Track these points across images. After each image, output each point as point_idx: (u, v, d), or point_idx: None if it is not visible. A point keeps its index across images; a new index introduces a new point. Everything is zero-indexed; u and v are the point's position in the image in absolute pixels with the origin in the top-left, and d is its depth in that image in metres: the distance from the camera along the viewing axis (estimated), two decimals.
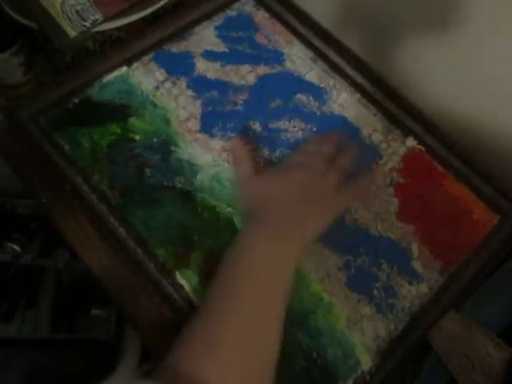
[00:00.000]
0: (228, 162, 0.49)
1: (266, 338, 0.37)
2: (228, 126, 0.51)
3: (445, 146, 0.52)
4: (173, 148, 0.49)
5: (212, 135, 0.50)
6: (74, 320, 0.93)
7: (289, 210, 0.41)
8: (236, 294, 0.37)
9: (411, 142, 0.53)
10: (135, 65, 0.53)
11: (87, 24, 0.49)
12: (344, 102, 0.54)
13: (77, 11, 0.48)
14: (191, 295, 0.43)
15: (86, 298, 0.93)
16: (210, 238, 0.45)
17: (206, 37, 0.56)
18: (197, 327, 0.36)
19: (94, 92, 0.51)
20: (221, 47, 0.56)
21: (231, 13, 0.58)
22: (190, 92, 0.52)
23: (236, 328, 0.35)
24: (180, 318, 0.42)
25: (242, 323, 0.36)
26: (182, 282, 0.43)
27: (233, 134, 0.51)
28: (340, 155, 0.46)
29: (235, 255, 0.39)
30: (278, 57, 0.56)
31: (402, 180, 0.50)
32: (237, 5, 0.59)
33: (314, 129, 0.52)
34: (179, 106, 0.51)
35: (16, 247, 0.93)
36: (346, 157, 0.46)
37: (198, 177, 0.48)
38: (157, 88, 0.52)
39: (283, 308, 0.38)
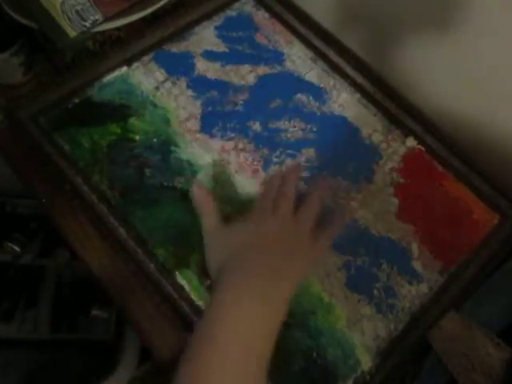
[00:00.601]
0: (228, 162, 0.49)
1: None
2: (228, 125, 0.51)
3: (445, 146, 0.52)
4: (173, 148, 0.49)
5: (212, 135, 0.50)
6: (74, 320, 0.93)
7: (262, 267, 0.37)
8: (210, 355, 0.33)
9: (411, 141, 0.53)
10: (135, 65, 0.53)
11: (87, 24, 0.49)
12: (344, 101, 0.54)
13: (77, 11, 0.48)
14: (191, 295, 0.43)
15: (86, 298, 0.93)
16: None
17: (206, 37, 0.56)
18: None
19: (94, 92, 0.51)
20: (221, 47, 0.56)
21: (231, 13, 0.58)
22: (189, 92, 0.52)
23: None
24: (180, 317, 0.42)
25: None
26: (182, 282, 0.43)
27: (233, 134, 0.51)
28: (308, 196, 0.43)
29: (209, 315, 0.36)
30: (278, 57, 0.56)
31: (402, 180, 0.50)
32: (237, 5, 0.59)
33: (314, 129, 0.52)
34: (179, 106, 0.51)
35: (16, 247, 0.93)
36: (314, 199, 0.43)
37: (198, 177, 0.48)
38: (157, 88, 0.52)
39: (262, 376, 0.34)
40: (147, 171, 0.47)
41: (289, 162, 0.50)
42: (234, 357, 0.33)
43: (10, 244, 0.92)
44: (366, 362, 0.42)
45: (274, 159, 0.50)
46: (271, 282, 0.37)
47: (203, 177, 0.48)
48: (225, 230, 0.42)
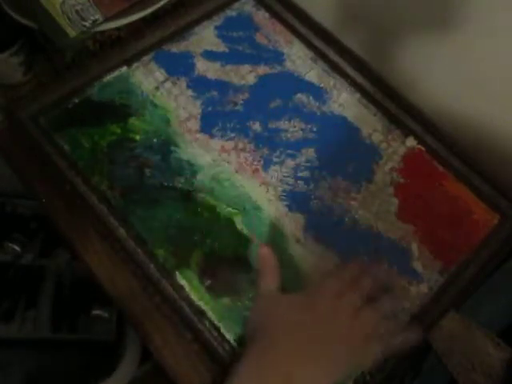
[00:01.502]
0: (228, 162, 0.49)
1: None
2: (228, 125, 0.51)
3: (445, 146, 0.52)
4: (173, 148, 0.49)
5: (212, 135, 0.50)
6: (75, 320, 0.93)
7: (297, 350, 0.35)
8: None
9: (411, 141, 0.53)
10: (135, 65, 0.53)
11: (87, 24, 0.49)
12: (344, 101, 0.54)
13: (77, 11, 0.48)
14: (191, 295, 0.43)
15: (87, 298, 0.93)
16: (209, 238, 0.45)
17: (206, 37, 0.56)
18: None
19: (94, 92, 0.51)
20: (221, 47, 0.56)
21: (231, 13, 0.58)
22: (190, 92, 0.52)
23: None
24: (180, 318, 0.42)
25: None
26: (182, 282, 0.43)
27: (233, 134, 0.51)
28: (382, 295, 0.40)
29: (232, 379, 0.35)
30: (277, 57, 0.56)
31: (402, 180, 0.50)
32: (237, 5, 0.59)
33: (314, 129, 0.52)
34: (179, 106, 0.51)
35: (16, 247, 0.93)
36: (389, 300, 0.40)
37: (198, 177, 0.48)
38: (157, 88, 0.52)
39: None
40: (147, 171, 0.47)
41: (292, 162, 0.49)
42: None
43: (10, 244, 0.92)
44: None
45: (274, 159, 0.50)
46: (291, 368, 0.35)
47: (203, 177, 0.48)
48: (279, 297, 0.40)
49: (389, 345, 0.38)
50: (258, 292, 0.41)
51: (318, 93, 0.54)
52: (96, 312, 0.92)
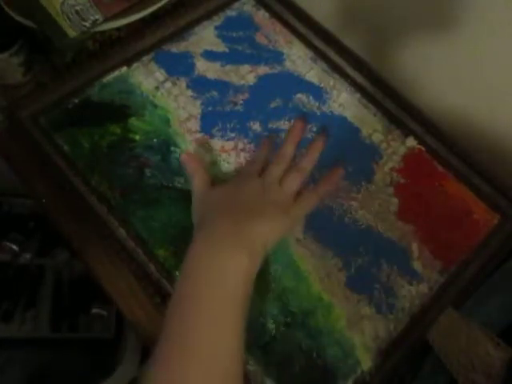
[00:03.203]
0: (228, 162, 0.49)
1: (226, 356, 0.33)
2: (228, 126, 0.51)
3: (445, 146, 0.52)
4: (173, 148, 0.49)
5: (212, 135, 0.50)
6: (74, 319, 0.93)
7: (236, 220, 0.38)
8: (187, 312, 0.34)
9: (411, 141, 0.53)
10: (135, 65, 0.53)
11: (87, 24, 0.49)
12: (344, 101, 0.54)
13: (77, 11, 0.48)
14: None
15: (86, 297, 0.93)
16: None
17: (206, 37, 0.56)
18: (161, 346, 0.33)
19: (94, 92, 0.51)
20: (221, 47, 0.56)
21: (231, 13, 0.58)
22: (190, 92, 0.52)
23: (195, 350, 0.33)
24: None
25: (200, 343, 0.33)
26: None
27: (233, 134, 0.51)
28: (302, 157, 0.45)
29: (184, 270, 0.37)
30: (277, 57, 0.56)
31: (402, 180, 0.50)
32: (237, 4, 0.59)
33: (314, 129, 0.52)
34: (179, 106, 0.51)
35: (14, 247, 0.93)
36: (308, 159, 0.45)
37: None
38: (157, 88, 0.52)
39: (238, 321, 0.34)
40: (147, 171, 0.47)
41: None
42: (210, 305, 0.34)
43: (7, 243, 0.92)
44: (366, 362, 0.42)
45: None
46: (239, 235, 0.37)
47: None
48: (209, 190, 0.43)
49: (314, 196, 0.44)
50: (192, 192, 0.44)
51: (317, 93, 0.54)
52: (95, 310, 0.92)
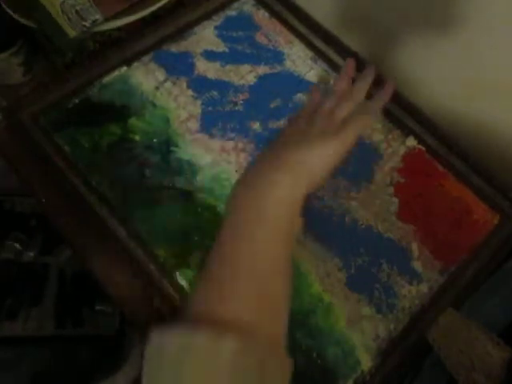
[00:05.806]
0: (228, 162, 0.49)
1: (277, 276, 0.34)
2: (228, 126, 0.51)
3: (445, 146, 0.52)
4: (173, 148, 0.49)
5: (212, 135, 0.50)
6: (79, 316, 0.93)
7: (283, 150, 0.38)
8: (244, 232, 0.34)
9: (411, 141, 0.53)
10: (135, 65, 0.53)
11: (87, 24, 0.49)
12: None
13: (77, 11, 0.48)
14: None
15: (90, 294, 0.93)
16: (209, 238, 0.45)
17: (206, 37, 0.56)
18: (209, 270, 0.34)
19: (94, 92, 0.51)
20: (220, 47, 0.56)
21: (231, 12, 0.58)
22: (190, 92, 0.52)
23: (247, 268, 0.33)
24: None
25: (253, 263, 0.33)
26: (182, 282, 0.43)
27: (233, 134, 0.51)
28: (353, 88, 0.43)
29: (233, 200, 0.36)
30: (277, 56, 0.56)
31: (402, 180, 0.50)
32: (237, 4, 0.59)
33: None
34: (179, 106, 0.51)
35: (17, 245, 0.93)
36: (359, 86, 0.43)
37: (198, 177, 0.48)
38: (157, 88, 0.52)
39: (291, 242, 0.35)
40: (147, 171, 0.47)
41: None
42: (260, 226, 0.34)
43: (10, 242, 0.92)
44: (366, 362, 0.42)
45: None
46: (288, 158, 0.36)
47: (203, 177, 0.48)
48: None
49: (370, 113, 0.41)
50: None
51: None
52: (99, 307, 0.93)
